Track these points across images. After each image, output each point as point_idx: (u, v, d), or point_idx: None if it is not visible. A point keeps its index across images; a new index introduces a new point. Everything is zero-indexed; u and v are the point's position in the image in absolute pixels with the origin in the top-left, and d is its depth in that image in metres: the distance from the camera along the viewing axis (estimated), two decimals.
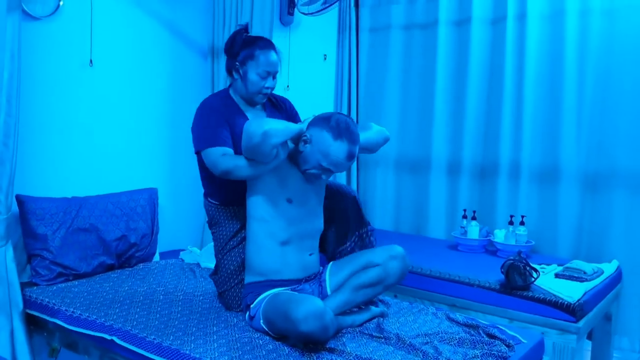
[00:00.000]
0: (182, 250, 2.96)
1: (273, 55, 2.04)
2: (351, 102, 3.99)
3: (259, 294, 1.91)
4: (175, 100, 3.03)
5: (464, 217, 3.30)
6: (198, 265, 2.69)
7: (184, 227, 3.14)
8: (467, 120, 3.53)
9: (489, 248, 3.17)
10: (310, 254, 1.99)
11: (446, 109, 3.64)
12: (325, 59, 3.90)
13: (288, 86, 3.53)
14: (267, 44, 2.05)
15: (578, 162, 3.17)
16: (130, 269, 2.58)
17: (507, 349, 1.81)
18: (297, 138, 1.88)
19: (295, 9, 3.45)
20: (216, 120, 1.98)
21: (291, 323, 1.67)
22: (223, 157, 1.89)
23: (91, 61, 2.60)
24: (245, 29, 2.08)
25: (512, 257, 2.48)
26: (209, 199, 2.13)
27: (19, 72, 2.12)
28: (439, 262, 2.82)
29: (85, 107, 2.62)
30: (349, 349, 1.72)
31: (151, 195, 2.76)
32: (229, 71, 2.08)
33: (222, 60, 3.01)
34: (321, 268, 2.06)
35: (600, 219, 3.09)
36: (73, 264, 2.37)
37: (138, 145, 2.87)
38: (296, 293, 1.86)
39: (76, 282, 2.34)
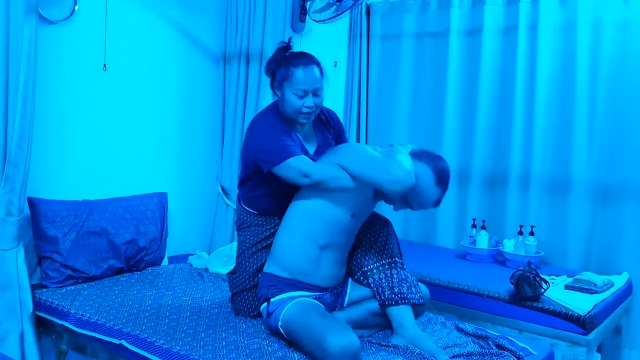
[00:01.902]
0: (191, 255, 2.97)
1: (310, 72, 1.89)
2: (361, 110, 3.99)
3: (282, 292, 1.87)
4: (187, 105, 3.05)
5: (474, 226, 3.29)
6: (207, 270, 2.70)
7: (193, 232, 3.15)
8: (478, 130, 3.52)
9: (498, 258, 3.16)
10: (340, 268, 1.96)
11: (457, 118, 3.63)
12: (335, 66, 3.91)
13: None
14: (303, 60, 1.91)
15: (589, 174, 3.14)
16: (139, 273, 2.58)
17: None
18: None
19: (307, 16, 3.46)
20: (280, 133, 1.90)
21: (323, 353, 1.63)
22: (315, 165, 1.84)
23: (105, 66, 2.62)
24: (287, 46, 1.97)
25: (522, 268, 2.47)
26: (245, 206, 2.08)
27: (34, 75, 2.14)
28: (448, 272, 2.81)
29: (98, 112, 2.64)
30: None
31: (161, 200, 2.77)
32: (274, 91, 2.01)
33: (234, 66, 3.05)
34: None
35: (611, 231, 3.07)
36: (83, 267, 2.38)
37: (149, 150, 2.89)
38: (328, 315, 1.80)
39: (86, 285, 2.35)
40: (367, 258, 1.96)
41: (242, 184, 2.07)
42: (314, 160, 1.91)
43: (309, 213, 1.90)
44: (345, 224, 1.89)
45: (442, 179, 1.86)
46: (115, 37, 2.66)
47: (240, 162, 2.06)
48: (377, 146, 2.01)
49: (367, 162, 1.83)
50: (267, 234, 2.04)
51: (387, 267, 1.92)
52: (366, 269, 1.94)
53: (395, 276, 1.91)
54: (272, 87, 1.99)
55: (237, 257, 2.11)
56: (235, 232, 3.02)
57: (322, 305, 1.87)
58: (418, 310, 1.98)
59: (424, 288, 2.03)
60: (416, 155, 1.89)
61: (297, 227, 1.92)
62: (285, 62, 1.93)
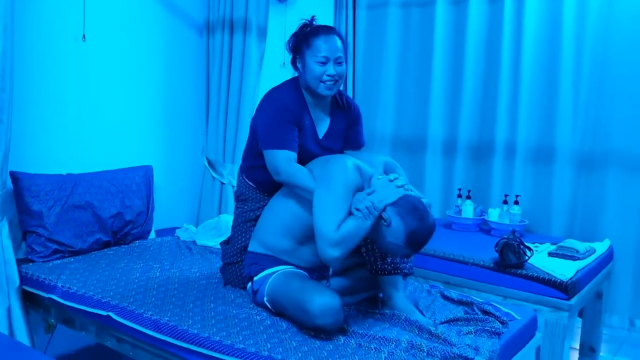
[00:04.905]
0: (178, 227, 2.96)
1: (331, 39, 1.91)
2: (347, 80, 3.96)
3: (264, 268, 1.89)
4: (170, 76, 3.00)
5: (459, 196, 3.32)
6: (194, 242, 2.70)
7: (179, 204, 3.14)
8: (464, 100, 3.52)
9: (483, 227, 3.19)
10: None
11: (443, 88, 3.63)
12: None
13: (284, 63, 3.50)
14: (324, 30, 1.94)
15: (573, 142, 3.17)
16: (126, 246, 2.58)
17: (500, 325, 1.83)
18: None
19: None
20: (286, 119, 1.90)
21: (306, 315, 1.66)
22: (291, 169, 1.86)
23: (84, 36, 2.56)
24: (310, 22, 1.99)
25: (506, 236, 2.50)
26: (244, 177, 2.09)
27: (12, 47, 2.08)
28: (434, 240, 2.74)
29: (79, 83, 2.59)
30: (345, 325, 1.74)
31: (146, 173, 2.75)
32: (294, 66, 2.00)
33: (217, 36, 2.99)
34: None
35: (594, 199, 3.12)
36: (68, 240, 2.37)
37: (133, 122, 2.85)
38: (306, 277, 1.82)
39: (72, 259, 2.34)
40: None
41: (246, 153, 2.08)
42: (322, 146, 1.96)
43: (289, 206, 1.89)
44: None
45: (414, 242, 1.68)
46: (94, 6, 2.59)
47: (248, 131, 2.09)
48: (377, 173, 1.85)
49: (322, 204, 1.73)
50: (262, 209, 2.04)
51: None
52: None
53: None
54: (293, 62, 1.99)
55: (232, 228, 2.12)
56: (222, 205, 3.04)
57: (305, 273, 1.89)
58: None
59: None
60: (399, 205, 1.69)
61: (278, 216, 1.92)
62: (307, 33, 1.94)
